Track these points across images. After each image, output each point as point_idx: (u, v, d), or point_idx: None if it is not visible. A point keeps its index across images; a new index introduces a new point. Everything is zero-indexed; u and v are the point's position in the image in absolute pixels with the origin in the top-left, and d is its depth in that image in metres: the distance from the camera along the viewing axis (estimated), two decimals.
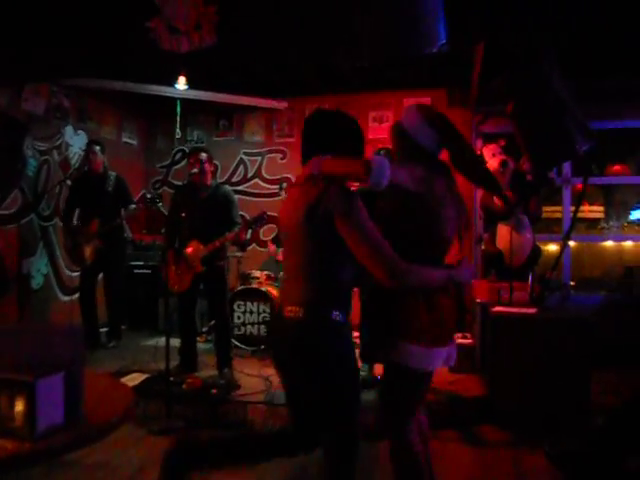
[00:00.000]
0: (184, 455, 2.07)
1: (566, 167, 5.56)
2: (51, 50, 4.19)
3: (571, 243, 5.89)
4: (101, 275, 5.33)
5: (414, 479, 2.11)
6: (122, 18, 3.91)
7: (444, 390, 3.90)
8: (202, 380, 4.06)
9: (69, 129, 5.84)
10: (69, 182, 5.45)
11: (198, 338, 5.07)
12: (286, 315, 1.94)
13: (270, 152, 6.76)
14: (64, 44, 4.11)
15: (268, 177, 6.75)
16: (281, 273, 5.51)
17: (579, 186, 5.59)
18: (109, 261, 5.19)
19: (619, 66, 4.79)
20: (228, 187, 4.71)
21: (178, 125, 6.49)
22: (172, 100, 6.19)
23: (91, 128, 6.16)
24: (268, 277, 5.50)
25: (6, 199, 5.00)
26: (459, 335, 4.33)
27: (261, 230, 6.44)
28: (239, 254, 5.82)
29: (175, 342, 4.25)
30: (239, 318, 5.22)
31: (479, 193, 4.93)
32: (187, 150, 6.55)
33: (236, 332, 5.13)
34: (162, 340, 3.87)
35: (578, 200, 4.22)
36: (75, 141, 5.90)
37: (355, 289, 2.11)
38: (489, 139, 5.25)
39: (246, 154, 6.83)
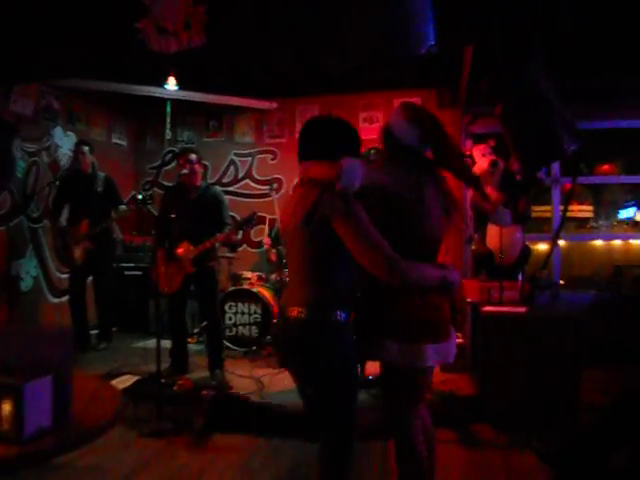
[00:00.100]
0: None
1: (555, 167, 5.60)
2: (40, 51, 4.16)
3: (561, 242, 5.93)
4: (91, 277, 5.30)
5: (416, 477, 2.12)
6: (111, 18, 3.89)
7: (436, 389, 3.91)
8: (193, 381, 4.06)
9: (58, 130, 5.81)
10: (58, 183, 5.42)
11: (189, 339, 5.07)
12: (289, 316, 1.99)
13: (260, 153, 6.76)
14: (53, 45, 4.08)
15: (259, 178, 6.75)
16: (272, 275, 5.53)
17: (568, 186, 5.63)
18: (98, 262, 5.16)
19: (607, 66, 4.83)
20: (218, 188, 4.70)
21: (168, 126, 6.47)
22: (162, 101, 6.17)
23: (80, 129, 6.13)
24: (259, 278, 5.50)
25: None
26: None
27: (252, 231, 6.44)
28: (230, 255, 5.81)
29: (166, 344, 4.24)
30: (230, 319, 5.21)
31: (469, 193, 4.95)
32: (177, 151, 6.54)
33: (227, 333, 5.12)
34: (152, 342, 3.86)
35: (566, 199, 4.25)
36: (64, 142, 5.87)
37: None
38: (479, 139, 5.27)
39: (237, 155, 6.83)
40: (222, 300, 5.09)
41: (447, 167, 2.17)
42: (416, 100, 5.91)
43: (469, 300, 4.38)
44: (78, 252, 5.03)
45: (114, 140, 6.76)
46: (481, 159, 4.47)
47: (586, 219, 7.02)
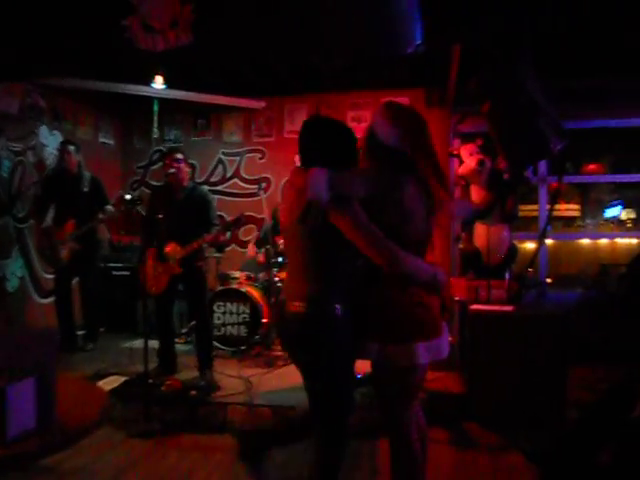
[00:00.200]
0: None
1: (542, 166, 5.63)
2: (25, 49, 4.13)
3: (548, 241, 5.97)
4: (77, 277, 5.26)
5: (410, 474, 2.13)
6: (98, 16, 3.87)
7: (424, 388, 3.92)
8: (181, 382, 4.03)
9: (44, 129, 5.75)
10: (42, 183, 5.36)
11: (178, 339, 5.04)
12: (290, 310, 2.04)
13: (249, 152, 6.74)
14: (39, 42, 4.05)
15: (247, 177, 6.72)
16: (260, 274, 5.51)
17: (555, 185, 5.67)
18: (84, 263, 5.12)
19: (594, 67, 4.86)
20: (205, 188, 4.68)
21: (155, 125, 6.42)
22: (149, 99, 6.12)
23: (67, 128, 6.08)
24: (248, 277, 5.48)
25: None
26: None
27: (240, 231, 6.42)
28: (218, 255, 5.79)
29: (154, 344, 4.22)
30: (219, 319, 5.19)
31: (456, 193, 4.96)
32: (165, 150, 6.50)
33: (216, 333, 5.10)
34: (140, 342, 3.84)
35: (553, 198, 4.28)
36: (50, 141, 5.81)
37: None
38: (467, 138, 5.29)
39: (225, 154, 6.80)
40: (210, 300, 5.07)
41: (416, 166, 2.09)
42: (404, 99, 5.92)
43: (456, 299, 4.40)
44: (64, 252, 4.99)
45: (101, 139, 6.71)
46: (468, 158, 4.49)
47: (573, 218, 7.09)
